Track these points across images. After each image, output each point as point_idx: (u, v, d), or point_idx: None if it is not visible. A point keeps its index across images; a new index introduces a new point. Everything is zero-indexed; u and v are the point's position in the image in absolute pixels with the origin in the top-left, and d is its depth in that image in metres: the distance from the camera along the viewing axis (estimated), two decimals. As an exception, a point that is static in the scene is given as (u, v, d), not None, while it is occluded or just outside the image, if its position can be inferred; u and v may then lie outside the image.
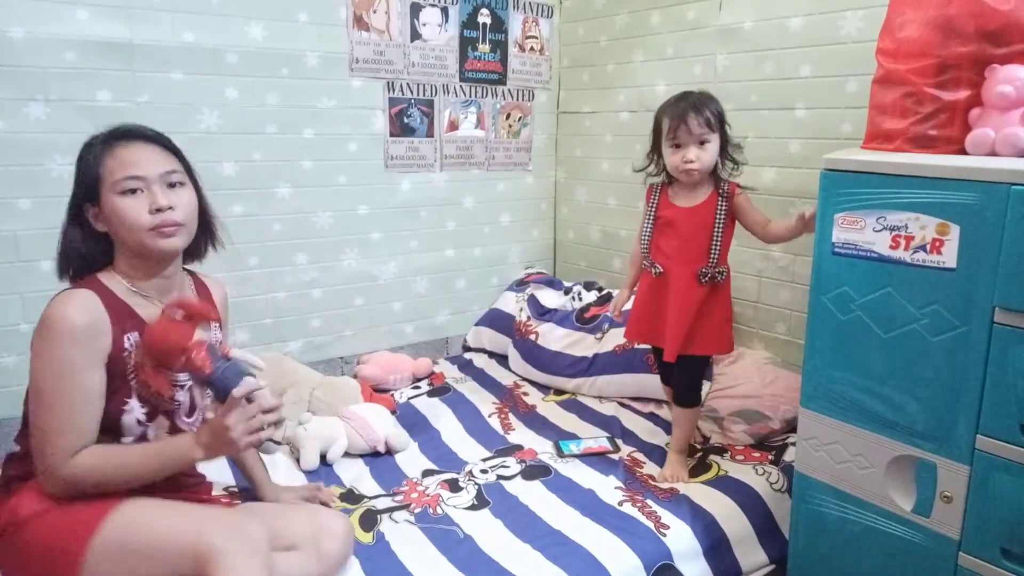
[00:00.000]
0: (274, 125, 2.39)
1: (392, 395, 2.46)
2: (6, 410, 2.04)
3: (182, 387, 1.35)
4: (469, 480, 1.89)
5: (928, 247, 1.32)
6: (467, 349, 2.99)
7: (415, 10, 2.60)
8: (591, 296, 2.69)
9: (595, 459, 2.01)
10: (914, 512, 1.43)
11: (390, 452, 2.05)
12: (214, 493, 1.57)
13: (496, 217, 3.00)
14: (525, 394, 2.51)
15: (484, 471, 1.94)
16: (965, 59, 1.39)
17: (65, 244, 1.30)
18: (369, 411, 2.11)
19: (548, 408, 2.39)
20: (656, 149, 1.88)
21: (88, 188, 1.26)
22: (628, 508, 1.75)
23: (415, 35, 2.62)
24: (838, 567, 1.58)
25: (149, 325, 1.27)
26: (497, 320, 2.88)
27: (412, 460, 2.02)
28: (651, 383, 2.29)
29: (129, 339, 1.25)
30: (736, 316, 2.39)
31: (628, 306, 2.06)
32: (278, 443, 1.39)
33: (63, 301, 1.20)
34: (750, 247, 2.32)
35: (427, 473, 1.94)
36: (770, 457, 1.98)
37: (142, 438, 1.30)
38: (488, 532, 1.65)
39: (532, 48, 2.95)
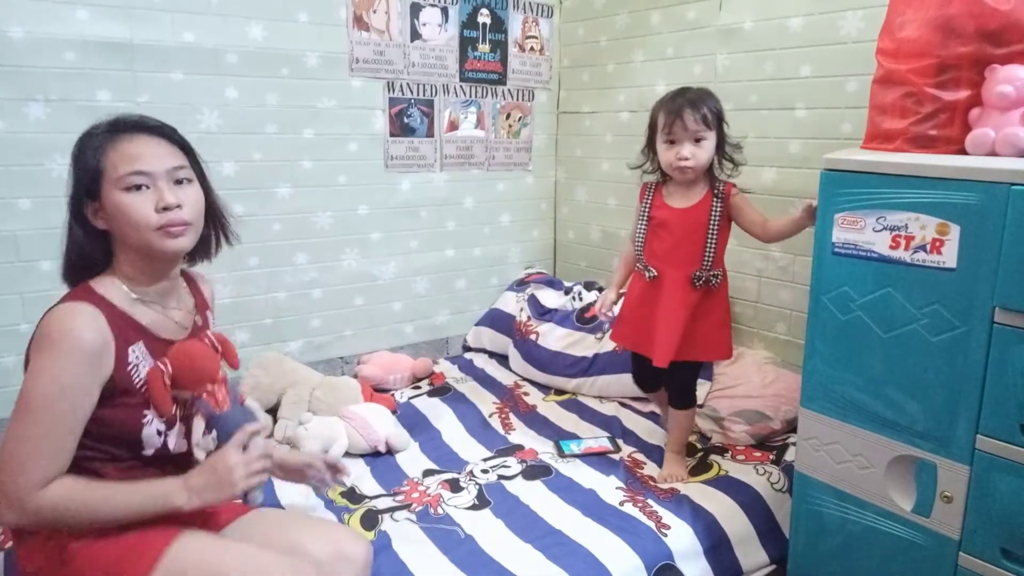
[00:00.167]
0: (274, 125, 2.39)
1: (392, 395, 2.46)
2: (6, 410, 2.04)
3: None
4: (470, 480, 1.89)
5: (928, 247, 1.32)
6: (467, 349, 2.99)
7: (415, 10, 2.60)
8: (591, 296, 2.69)
9: (596, 459, 2.01)
10: (914, 512, 1.43)
11: (391, 452, 2.05)
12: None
13: (496, 217, 3.00)
14: (526, 394, 2.51)
15: (485, 471, 1.94)
16: (965, 59, 1.39)
17: (70, 243, 1.21)
18: (369, 411, 2.11)
19: (548, 408, 2.39)
20: (651, 145, 1.84)
21: (88, 182, 1.17)
22: (629, 508, 1.75)
23: (415, 35, 2.62)
24: (838, 567, 1.58)
25: (184, 342, 1.23)
26: (497, 320, 2.88)
27: (413, 460, 2.02)
28: (651, 383, 2.29)
29: (135, 351, 1.18)
30: (736, 316, 2.40)
31: (618, 307, 2.01)
32: (260, 492, 1.39)
33: (68, 316, 1.11)
34: (750, 247, 2.33)
35: (428, 473, 1.94)
36: (771, 457, 1.98)
37: (163, 448, 1.23)
38: (489, 532, 1.65)
39: (532, 48, 2.95)
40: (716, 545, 1.69)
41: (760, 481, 1.86)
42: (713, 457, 2.01)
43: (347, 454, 2.01)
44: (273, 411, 2.22)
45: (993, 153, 1.36)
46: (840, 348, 1.49)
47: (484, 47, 2.81)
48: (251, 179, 2.38)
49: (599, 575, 1.52)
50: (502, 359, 2.79)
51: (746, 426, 2.07)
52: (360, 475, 1.93)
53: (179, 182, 1.21)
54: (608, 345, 2.44)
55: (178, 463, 1.28)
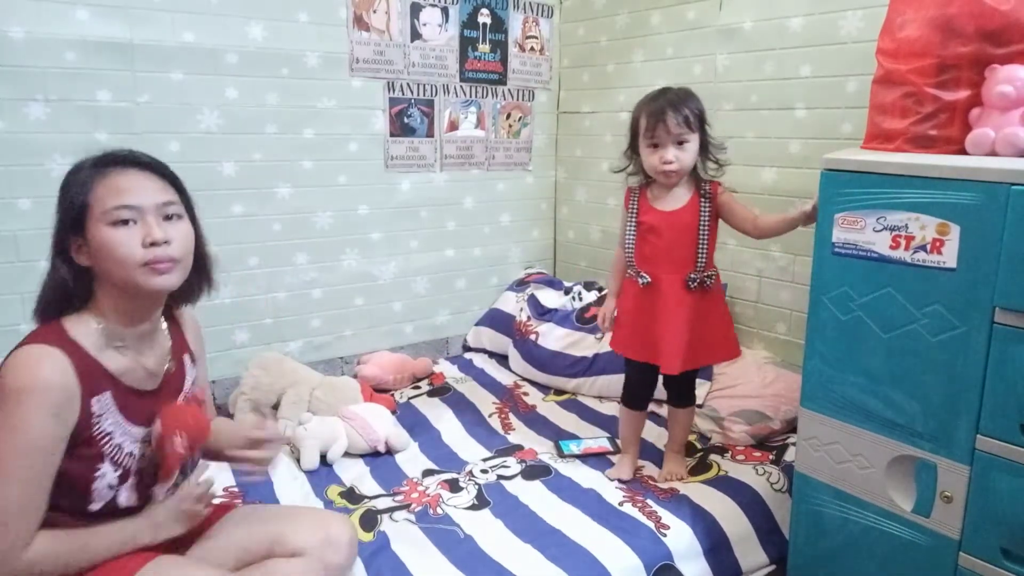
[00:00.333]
0: (274, 125, 2.39)
1: (392, 395, 2.46)
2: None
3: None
4: (469, 480, 1.89)
5: (928, 247, 1.32)
6: (467, 349, 2.99)
7: (415, 10, 2.60)
8: (591, 296, 2.69)
9: (595, 459, 2.01)
10: (914, 512, 1.43)
11: (390, 452, 2.05)
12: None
13: (496, 217, 3.00)
14: (525, 394, 2.51)
15: (484, 471, 1.94)
16: (965, 59, 1.39)
17: (51, 280, 1.15)
18: (369, 411, 2.11)
19: (548, 408, 2.39)
20: (634, 147, 1.80)
21: (74, 217, 1.11)
22: (628, 508, 1.75)
23: (415, 35, 2.62)
24: (838, 567, 1.58)
25: (180, 406, 1.24)
26: (497, 320, 2.88)
27: (412, 460, 2.02)
28: (651, 383, 2.29)
29: (99, 401, 1.12)
30: (736, 316, 2.40)
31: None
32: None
33: (32, 362, 1.05)
34: (750, 247, 2.32)
35: (427, 473, 1.94)
36: (771, 457, 1.98)
37: (111, 502, 1.17)
38: (488, 532, 1.65)
39: (532, 48, 2.95)
40: (716, 545, 1.69)
41: (760, 481, 1.86)
42: (713, 457, 2.01)
43: (347, 454, 2.02)
44: (273, 411, 2.22)
45: (993, 153, 1.36)
46: (840, 348, 1.49)
47: (484, 47, 2.81)
48: (251, 179, 2.38)
49: (598, 575, 1.52)
50: (502, 359, 2.79)
51: (746, 426, 2.07)
52: (360, 475, 1.93)
53: (168, 218, 1.16)
54: (608, 345, 2.44)
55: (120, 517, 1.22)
